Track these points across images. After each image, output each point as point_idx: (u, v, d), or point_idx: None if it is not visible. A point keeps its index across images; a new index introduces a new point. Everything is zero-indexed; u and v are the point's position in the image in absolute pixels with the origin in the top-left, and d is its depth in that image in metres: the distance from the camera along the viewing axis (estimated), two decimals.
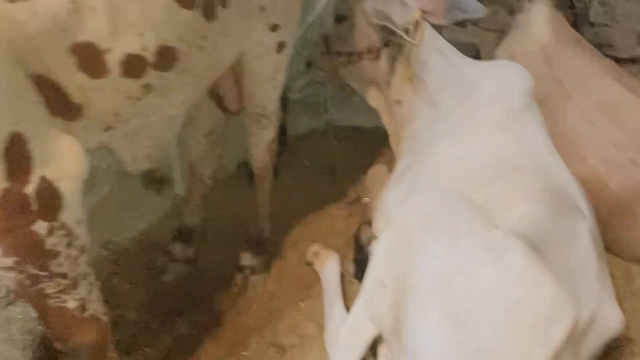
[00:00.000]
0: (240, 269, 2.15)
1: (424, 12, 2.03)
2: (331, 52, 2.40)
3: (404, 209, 1.75)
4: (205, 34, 1.38)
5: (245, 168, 2.59)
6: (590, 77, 2.38)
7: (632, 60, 3.84)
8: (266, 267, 2.18)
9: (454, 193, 1.76)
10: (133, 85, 1.25)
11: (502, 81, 2.05)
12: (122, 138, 1.40)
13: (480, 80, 2.08)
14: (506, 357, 1.41)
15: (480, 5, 2.17)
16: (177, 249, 2.18)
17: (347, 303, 1.94)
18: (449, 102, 2.14)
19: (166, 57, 1.28)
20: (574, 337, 1.42)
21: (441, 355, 1.45)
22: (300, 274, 2.16)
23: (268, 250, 2.22)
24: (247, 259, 2.16)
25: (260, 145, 2.07)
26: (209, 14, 1.37)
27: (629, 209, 2.09)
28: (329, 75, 2.51)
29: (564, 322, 1.39)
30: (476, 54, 3.00)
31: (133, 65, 1.21)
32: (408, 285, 1.58)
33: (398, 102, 2.28)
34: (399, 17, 2.02)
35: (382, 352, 1.78)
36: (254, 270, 2.15)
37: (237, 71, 1.85)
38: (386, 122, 2.48)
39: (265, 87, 1.88)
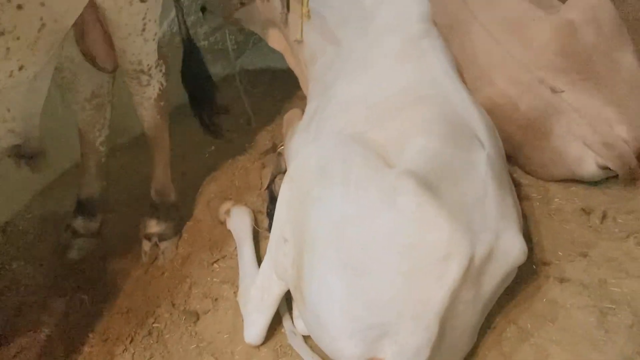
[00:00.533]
0: (148, 237, 2.04)
1: None
2: None
3: (299, 157, 1.66)
4: None
5: None
6: None
7: None
8: (176, 232, 2.08)
9: (349, 135, 1.67)
10: None
11: (398, 7, 1.94)
12: None
13: (376, 8, 1.96)
14: (406, 301, 1.36)
15: None
16: (79, 223, 2.06)
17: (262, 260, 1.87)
18: (349, 36, 2.03)
19: None
20: (471, 272, 1.38)
21: (338, 308, 1.40)
22: (214, 235, 2.08)
23: (175, 214, 2.10)
24: (152, 225, 2.05)
25: (145, 103, 1.92)
26: None
27: (540, 129, 2.03)
28: (224, 19, 2.34)
29: (459, 259, 1.34)
30: None
31: None
32: (305, 239, 1.51)
33: (298, 41, 2.15)
34: None
35: (295, 306, 1.74)
36: (162, 237, 2.04)
37: (104, 28, 1.69)
38: (291, 64, 2.37)
39: (136, 41, 1.73)
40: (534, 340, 1.62)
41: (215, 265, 1.97)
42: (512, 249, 1.47)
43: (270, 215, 2.08)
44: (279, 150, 2.39)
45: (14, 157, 1.54)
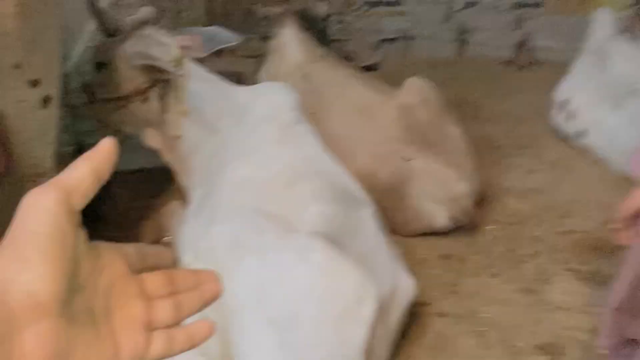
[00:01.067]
0: None
1: (183, 47, 2.12)
2: (97, 100, 2.34)
3: (208, 236, 1.80)
4: None
5: None
6: (344, 86, 2.70)
7: (371, 67, 4.42)
8: None
9: (251, 210, 1.86)
10: None
11: (270, 100, 2.22)
12: None
13: (250, 103, 2.22)
14: (332, 344, 1.54)
15: (233, 35, 2.32)
16: None
17: None
18: (226, 128, 2.24)
19: None
20: (381, 310, 1.61)
21: None
22: None
23: None
24: None
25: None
26: None
27: (398, 192, 2.41)
28: (98, 124, 2.42)
29: (371, 299, 1.57)
30: (239, 81, 3.17)
31: None
32: (228, 310, 1.63)
33: (177, 137, 2.32)
34: (161, 56, 2.08)
35: None
36: None
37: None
38: (169, 158, 2.48)
39: (36, 145, 1.78)
40: None
41: None
42: (407, 286, 1.74)
43: None
44: (164, 240, 2.47)
45: None
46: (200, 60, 2.94)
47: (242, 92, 2.27)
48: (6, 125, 1.68)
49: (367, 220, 1.83)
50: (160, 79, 2.16)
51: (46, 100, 1.72)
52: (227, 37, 2.28)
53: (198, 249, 1.88)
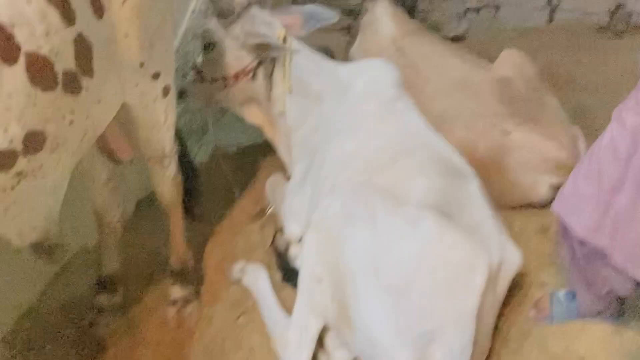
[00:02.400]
0: (173, 302, 2.17)
1: (285, 26, 2.23)
2: (205, 80, 2.49)
3: (320, 208, 1.91)
4: (73, 109, 1.37)
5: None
6: (439, 59, 2.72)
7: (458, 38, 4.38)
8: (196, 295, 2.22)
9: (360, 182, 1.96)
10: (4, 178, 1.23)
11: (372, 77, 2.29)
12: (4, 220, 1.34)
13: (352, 79, 2.30)
14: (443, 310, 1.63)
15: (331, 12, 2.39)
16: (104, 299, 2.14)
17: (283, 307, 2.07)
18: (330, 105, 2.34)
19: (34, 142, 1.27)
20: (491, 279, 1.68)
21: (388, 325, 1.64)
22: (231, 293, 2.24)
23: (194, 278, 2.25)
24: (177, 291, 2.18)
25: (166, 181, 2.10)
26: (73, 88, 1.35)
27: (497, 164, 2.44)
28: (204, 102, 2.57)
29: (482, 268, 1.64)
30: (330, 56, 3.25)
31: (1, 162, 1.21)
32: (344, 273, 1.74)
33: (281, 113, 2.43)
34: (270, 34, 2.19)
35: (329, 341, 1.94)
36: (186, 301, 2.18)
37: (123, 121, 1.85)
38: (270, 135, 2.61)
39: (160, 131, 1.93)
40: (533, 337, 1.94)
41: (240, 319, 2.13)
42: (513, 257, 1.79)
43: (282, 267, 2.29)
44: (268, 212, 2.62)
45: (33, 251, 1.60)
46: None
47: (343, 69, 2.36)
48: (132, 116, 1.82)
49: (473, 193, 1.88)
50: (267, 57, 2.27)
51: (166, 90, 1.86)
52: (326, 14, 2.36)
53: (309, 220, 2.00)
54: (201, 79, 2.51)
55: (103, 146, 1.94)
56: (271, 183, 2.64)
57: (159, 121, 1.90)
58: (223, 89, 2.47)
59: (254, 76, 2.37)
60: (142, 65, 1.68)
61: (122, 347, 2.07)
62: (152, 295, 2.24)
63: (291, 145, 2.51)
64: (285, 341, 1.91)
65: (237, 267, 2.28)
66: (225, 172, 2.84)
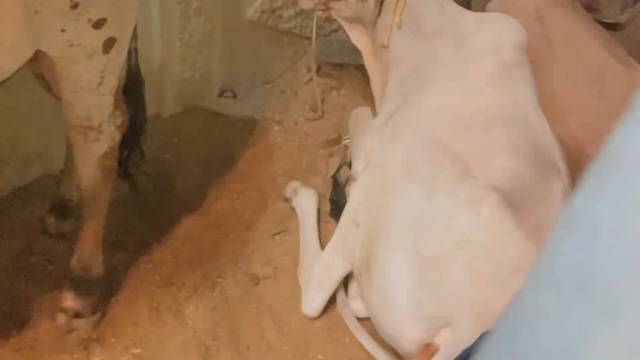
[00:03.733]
0: (63, 310, 1.75)
1: None
2: None
3: (384, 152, 1.79)
4: None
5: None
6: (580, 41, 2.41)
7: (615, 26, 3.88)
8: (94, 310, 1.79)
9: (436, 141, 1.80)
10: None
11: (497, 34, 2.06)
12: None
13: (475, 31, 2.08)
14: (472, 300, 1.49)
15: None
16: (51, 223, 1.93)
17: (322, 241, 2.00)
18: (441, 50, 2.14)
19: None
20: None
21: (408, 294, 1.53)
22: (277, 209, 2.20)
23: (96, 290, 1.80)
24: (68, 299, 1.75)
25: (89, 160, 1.63)
26: None
27: None
28: (318, 6, 2.44)
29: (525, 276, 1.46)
30: (467, 4, 2.99)
31: None
32: (382, 226, 1.64)
33: (384, 46, 2.27)
34: None
35: (353, 289, 1.86)
36: (78, 314, 1.75)
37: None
38: (368, 64, 2.46)
39: (89, 96, 1.48)
40: None
41: (277, 237, 2.09)
42: None
43: (333, 201, 2.21)
44: (344, 142, 2.52)
45: None
46: None
47: (468, 18, 2.13)
48: (55, 71, 1.46)
49: (556, 193, 1.67)
50: None
51: (109, 44, 1.43)
52: None
53: (371, 161, 1.88)
54: None
55: (38, 74, 1.60)
56: (357, 114, 2.52)
57: (90, 83, 1.45)
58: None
59: None
60: (75, 5, 1.26)
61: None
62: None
63: (387, 81, 2.36)
64: (309, 273, 1.86)
65: (291, 186, 2.22)
66: (315, 84, 2.73)
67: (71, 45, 1.33)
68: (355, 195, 1.80)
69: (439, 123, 1.89)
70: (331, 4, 2.35)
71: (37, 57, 1.38)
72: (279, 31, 2.95)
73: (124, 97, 1.69)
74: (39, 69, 1.54)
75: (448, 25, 2.13)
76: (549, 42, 2.41)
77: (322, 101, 2.76)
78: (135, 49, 1.75)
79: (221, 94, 2.72)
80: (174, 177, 2.26)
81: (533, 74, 2.02)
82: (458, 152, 1.74)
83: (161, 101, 2.47)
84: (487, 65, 2.00)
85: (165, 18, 2.30)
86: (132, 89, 1.78)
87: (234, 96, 2.71)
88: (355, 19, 2.34)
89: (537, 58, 2.38)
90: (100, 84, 1.46)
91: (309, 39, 2.85)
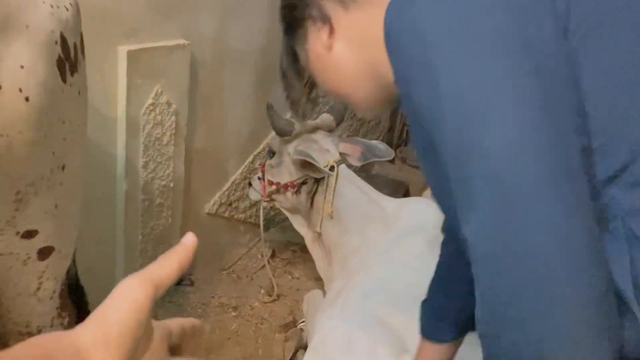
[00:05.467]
0: None
1: (342, 154, 2.33)
2: (265, 180, 2.64)
3: (323, 330, 1.89)
4: None
5: None
6: None
7: None
8: None
9: (376, 317, 1.91)
10: None
11: (417, 214, 2.29)
12: None
13: (397, 213, 2.32)
14: None
15: (389, 150, 2.45)
16: None
17: None
18: (373, 232, 2.36)
19: None
20: None
21: None
22: None
23: None
24: None
25: None
26: None
27: None
28: (263, 198, 2.69)
29: None
30: (406, 192, 3.30)
31: None
32: None
33: (318, 234, 2.49)
34: (319, 159, 2.30)
35: None
36: None
37: None
38: (310, 248, 2.65)
39: (26, 302, 1.44)
40: None
41: None
42: None
43: None
44: (299, 325, 2.62)
45: None
46: (370, 165, 3.14)
47: (390, 203, 2.39)
48: None
49: None
50: (310, 178, 2.38)
51: (44, 252, 1.43)
52: (384, 151, 2.43)
53: (315, 340, 1.97)
54: (262, 178, 2.67)
55: None
56: (309, 297, 2.65)
57: (27, 289, 1.43)
58: (276, 193, 2.60)
59: (298, 191, 2.48)
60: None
61: None
62: None
63: (332, 261, 2.54)
64: None
65: None
66: (267, 268, 2.89)
67: (1, 254, 1.32)
68: None
69: (377, 300, 2.02)
70: (274, 196, 2.61)
71: None
72: (235, 221, 3.21)
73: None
74: None
75: (374, 210, 2.37)
76: None
77: (277, 285, 2.91)
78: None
79: (179, 282, 2.87)
80: None
81: None
82: (395, 327, 1.85)
83: None
84: (413, 243, 2.19)
85: (129, 215, 2.48)
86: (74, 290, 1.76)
87: (192, 284, 2.86)
88: (294, 210, 2.58)
89: None
90: (37, 289, 1.44)
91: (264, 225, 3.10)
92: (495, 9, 0.76)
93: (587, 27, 0.77)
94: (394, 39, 0.83)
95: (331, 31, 1.00)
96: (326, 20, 1.00)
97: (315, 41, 1.04)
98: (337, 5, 0.99)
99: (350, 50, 1.00)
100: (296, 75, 1.15)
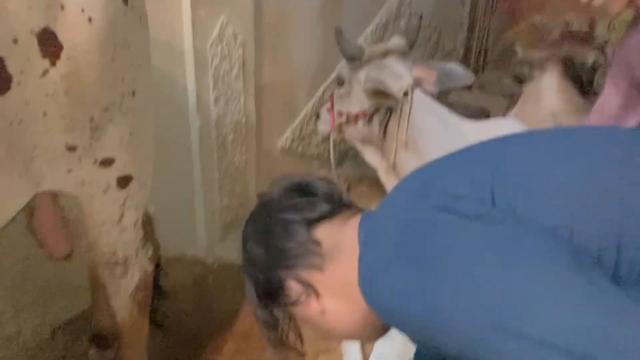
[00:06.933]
0: None
1: (417, 79, 2.18)
2: (334, 110, 2.55)
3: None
4: None
5: None
6: None
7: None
8: None
9: None
10: None
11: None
12: None
13: (480, 139, 2.18)
14: None
15: (468, 73, 2.30)
16: (94, 356, 1.89)
17: None
18: None
19: None
20: None
21: None
22: None
23: None
24: None
25: (121, 296, 1.62)
26: None
27: None
28: (332, 129, 2.60)
29: None
30: (485, 117, 3.12)
31: None
32: None
33: (393, 165, 2.38)
34: (392, 85, 2.17)
35: None
36: None
37: (58, 212, 1.57)
38: (383, 180, 2.55)
39: (110, 231, 1.49)
40: None
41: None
42: None
43: None
44: None
45: None
46: (447, 92, 2.98)
47: (471, 126, 2.24)
48: (79, 209, 1.46)
49: None
50: (383, 105, 2.26)
51: (123, 181, 1.45)
52: (462, 75, 2.28)
53: None
54: (332, 109, 2.58)
55: (33, 233, 1.61)
56: None
57: (109, 218, 1.47)
58: (346, 124, 2.51)
59: (370, 120, 2.38)
60: (72, 149, 1.27)
61: None
62: None
63: None
64: None
65: None
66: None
67: (82, 184, 1.35)
68: None
69: None
70: (344, 128, 2.53)
71: (32, 210, 1.45)
72: (309, 156, 3.18)
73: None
74: (33, 229, 1.56)
75: (453, 137, 2.24)
76: None
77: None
78: None
79: None
80: (214, 302, 2.36)
81: None
82: None
83: (203, 228, 2.60)
84: None
85: (204, 151, 2.46)
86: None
87: None
88: (365, 140, 2.49)
89: None
90: (120, 219, 1.49)
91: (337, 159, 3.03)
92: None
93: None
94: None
95: (317, 295, 1.04)
96: (309, 287, 1.04)
97: (307, 311, 1.07)
98: (312, 272, 1.03)
99: (342, 304, 1.05)
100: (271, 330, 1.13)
